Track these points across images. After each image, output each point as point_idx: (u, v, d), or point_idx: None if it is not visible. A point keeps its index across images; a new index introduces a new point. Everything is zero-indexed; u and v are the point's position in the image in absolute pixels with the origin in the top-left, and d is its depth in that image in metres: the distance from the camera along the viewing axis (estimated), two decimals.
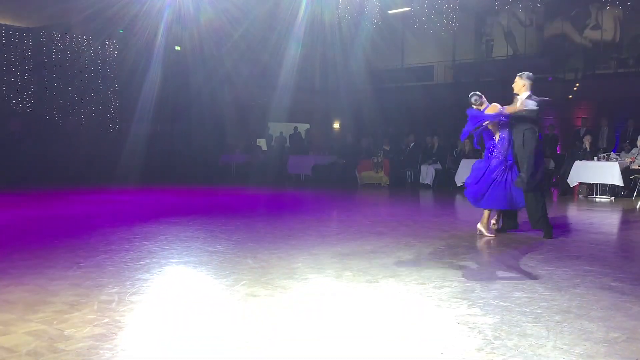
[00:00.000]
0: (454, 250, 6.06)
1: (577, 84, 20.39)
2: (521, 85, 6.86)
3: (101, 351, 3.06)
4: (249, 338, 3.26)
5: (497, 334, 3.36)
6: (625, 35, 21.76)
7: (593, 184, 12.23)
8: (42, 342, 3.19)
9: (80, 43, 17.59)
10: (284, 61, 27.40)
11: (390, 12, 24.11)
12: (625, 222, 8.91)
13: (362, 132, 18.56)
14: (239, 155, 18.80)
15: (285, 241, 6.44)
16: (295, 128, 21.80)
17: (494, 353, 3.07)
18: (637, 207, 10.64)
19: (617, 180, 11.62)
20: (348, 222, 8.13)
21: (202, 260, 5.38)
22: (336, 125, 26.15)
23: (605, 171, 11.82)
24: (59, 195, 11.37)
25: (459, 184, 13.74)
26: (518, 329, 3.47)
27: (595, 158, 12.24)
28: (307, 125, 26.22)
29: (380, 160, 14.95)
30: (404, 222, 7.62)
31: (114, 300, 4.02)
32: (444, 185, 14.67)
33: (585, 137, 13.08)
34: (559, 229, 7.38)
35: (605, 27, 22.02)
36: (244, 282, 4.57)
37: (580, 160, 12.33)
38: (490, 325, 3.53)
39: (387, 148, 15.89)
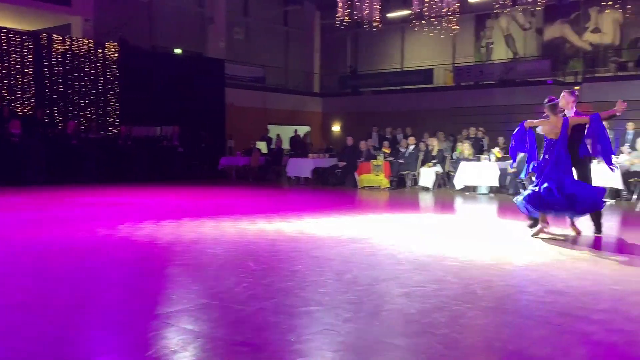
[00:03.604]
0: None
1: (577, 87, 20.40)
2: (566, 102, 7.01)
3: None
4: (250, 340, 3.28)
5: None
6: (625, 39, 21.81)
7: None
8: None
9: (81, 46, 17.61)
10: (285, 64, 27.51)
11: (389, 15, 24.19)
12: (626, 224, 8.94)
13: (362, 135, 18.57)
14: (239, 158, 18.82)
15: (285, 243, 6.45)
16: (295, 131, 21.81)
17: None
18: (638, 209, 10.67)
19: (617, 183, 11.64)
20: (349, 223, 8.13)
21: (202, 262, 5.40)
22: (336, 128, 26.18)
23: (606, 174, 11.82)
24: (58, 197, 11.37)
25: (458, 187, 13.77)
26: None
27: (596, 161, 12.23)
28: (308, 128, 26.26)
29: (380, 163, 14.96)
30: (411, 224, 7.64)
31: (112, 302, 4.04)
32: (444, 188, 14.77)
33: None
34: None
35: (605, 30, 22.07)
36: (244, 284, 4.58)
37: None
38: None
39: (387, 151, 15.89)
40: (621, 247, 6.80)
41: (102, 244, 6.29)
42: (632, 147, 12.65)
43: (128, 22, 19.90)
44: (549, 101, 6.92)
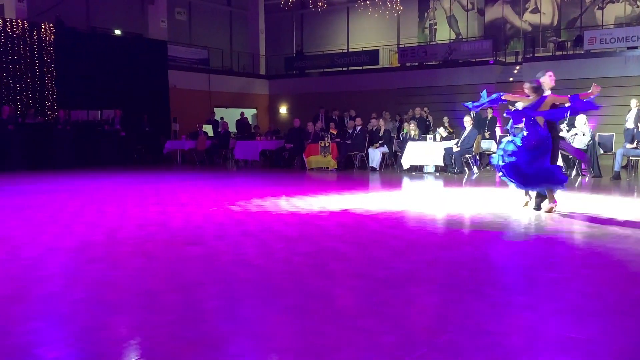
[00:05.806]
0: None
1: (518, 67, 20.88)
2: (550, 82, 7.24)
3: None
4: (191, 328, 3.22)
5: None
6: (563, 19, 22.41)
7: None
8: None
9: (15, 27, 16.88)
10: (230, 46, 27.11)
11: None
12: None
13: (309, 116, 18.53)
14: (185, 142, 18.49)
15: (234, 227, 6.38)
16: (242, 113, 21.58)
17: None
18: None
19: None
20: (297, 206, 8.09)
21: (147, 249, 5.27)
22: (283, 110, 26.04)
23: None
24: None
25: (405, 167, 13.92)
26: None
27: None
28: (254, 111, 26.06)
29: (327, 144, 14.96)
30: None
31: (55, 293, 3.90)
32: (391, 169, 14.92)
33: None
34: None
35: (544, 10, 22.63)
36: (191, 269, 4.50)
37: None
38: None
39: (334, 132, 15.90)
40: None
41: (38, 234, 6.07)
42: (570, 125, 12.88)
43: (64, 1, 19.18)
44: (537, 84, 7.05)
